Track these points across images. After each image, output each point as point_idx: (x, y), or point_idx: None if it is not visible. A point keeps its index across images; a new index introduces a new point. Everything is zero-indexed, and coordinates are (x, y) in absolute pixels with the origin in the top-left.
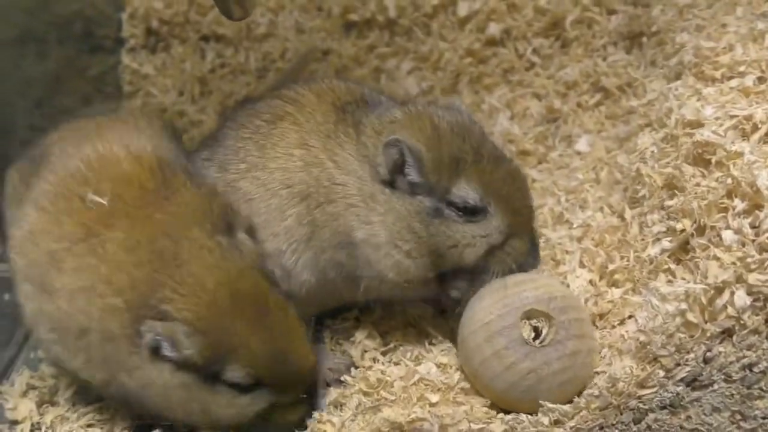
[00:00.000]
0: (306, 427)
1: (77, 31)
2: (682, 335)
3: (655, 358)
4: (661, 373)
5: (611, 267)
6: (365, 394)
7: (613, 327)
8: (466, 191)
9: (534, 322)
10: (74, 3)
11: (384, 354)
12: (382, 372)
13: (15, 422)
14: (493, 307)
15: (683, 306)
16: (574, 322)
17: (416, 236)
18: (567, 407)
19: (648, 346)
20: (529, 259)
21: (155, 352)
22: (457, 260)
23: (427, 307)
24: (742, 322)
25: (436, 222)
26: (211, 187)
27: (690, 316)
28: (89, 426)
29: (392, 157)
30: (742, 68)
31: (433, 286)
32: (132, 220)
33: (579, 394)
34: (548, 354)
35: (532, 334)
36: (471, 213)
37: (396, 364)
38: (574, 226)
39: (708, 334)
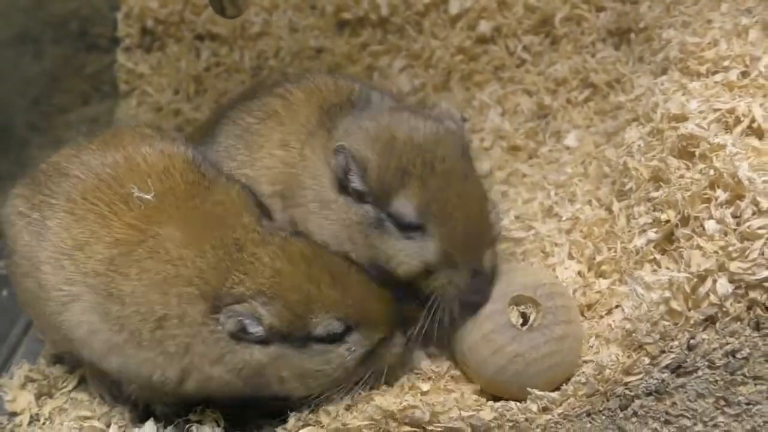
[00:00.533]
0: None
1: (73, 31)
2: (667, 323)
3: (640, 346)
4: (647, 361)
5: (599, 258)
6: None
7: (601, 317)
8: (404, 206)
9: (522, 308)
10: (70, 2)
11: None
12: None
13: (14, 414)
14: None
15: (667, 294)
16: (561, 308)
17: (355, 246)
18: (555, 394)
19: (633, 334)
20: (471, 297)
21: (240, 335)
22: (393, 274)
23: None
24: (724, 309)
25: (375, 233)
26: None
27: (674, 304)
28: (87, 418)
29: (339, 163)
30: (726, 63)
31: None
32: (183, 212)
33: (567, 380)
34: (535, 338)
35: (520, 320)
36: (406, 229)
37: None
38: (563, 219)
39: (691, 322)
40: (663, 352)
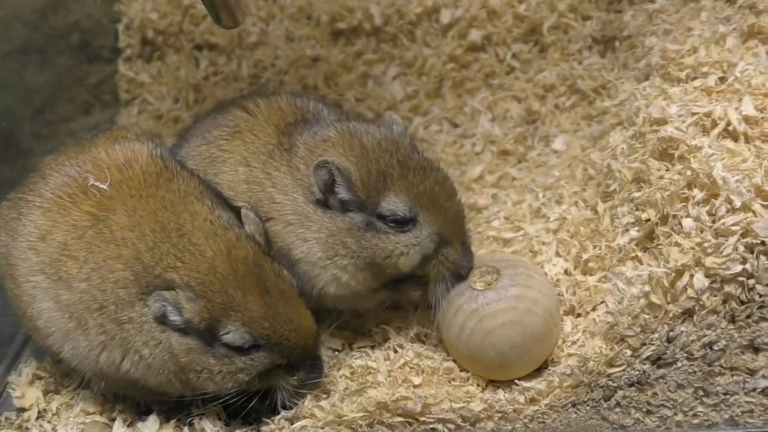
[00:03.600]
0: (312, 389)
1: (75, 42)
2: (647, 316)
3: (622, 339)
4: (628, 353)
5: (585, 256)
6: (350, 379)
7: (587, 313)
8: (394, 204)
9: (488, 278)
10: (72, 15)
11: (371, 347)
12: (366, 358)
13: (22, 409)
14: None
15: (647, 288)
16: (521, 275)
17: (350, 251)
18: (541, 386)
19: (615, 327)
20: (462, 263)
21: (163, 319)
22: (394, 269)
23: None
24: (701, 302)
25: (369, 235)
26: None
27: (653, 298)
28: (92, 413)
29: (322, 177)
30: (705, 69)
31: (384, 295)
32: (135, 200)
33: (539, 355)
34: (489, 296)
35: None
36: (401, 224)
37: (379, 349)
38: (551, 219)
39: (670, 315)
40: (644, 344)
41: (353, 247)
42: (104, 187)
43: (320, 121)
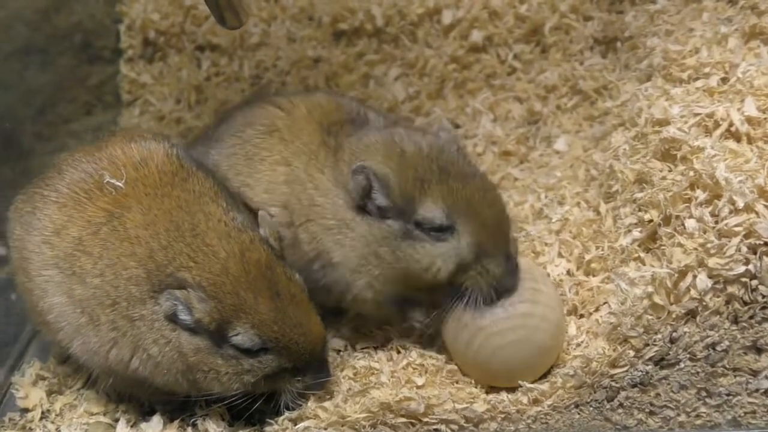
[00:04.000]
0: (319, 390)
1: (77, 43)
2: (650, 317)
3: (625, 339)
4: (631, 353)
5: (587, 257)
6: (353, 380)
7: (591, 314)
8: (432, 211)
9: None
10: (74, 15)
11: (374, 348)
12: (369, 359)
13: (26, 410)
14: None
15: (650, 289)
16: (528, 289)
17: (383, 261)
18: (544, 387)
19: (618, 328)
20: (505, 281)
21: (173, 318)
22: (429, 279)
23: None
24: (704, 303)
25: (405, 245)
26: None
27: (656, 299)
28: (95, 414)
29: (360, 183)
30: (706, 70)
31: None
32: (150, 199)
33: (541, 361)
34: (496, 313)
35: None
36: (438, 231)
37: (382, 350)
38: (553, 220)
39: (674, 316)
40: (647, 345)
41: (387, 257)
42: (120, 184)
43: (367, 124)
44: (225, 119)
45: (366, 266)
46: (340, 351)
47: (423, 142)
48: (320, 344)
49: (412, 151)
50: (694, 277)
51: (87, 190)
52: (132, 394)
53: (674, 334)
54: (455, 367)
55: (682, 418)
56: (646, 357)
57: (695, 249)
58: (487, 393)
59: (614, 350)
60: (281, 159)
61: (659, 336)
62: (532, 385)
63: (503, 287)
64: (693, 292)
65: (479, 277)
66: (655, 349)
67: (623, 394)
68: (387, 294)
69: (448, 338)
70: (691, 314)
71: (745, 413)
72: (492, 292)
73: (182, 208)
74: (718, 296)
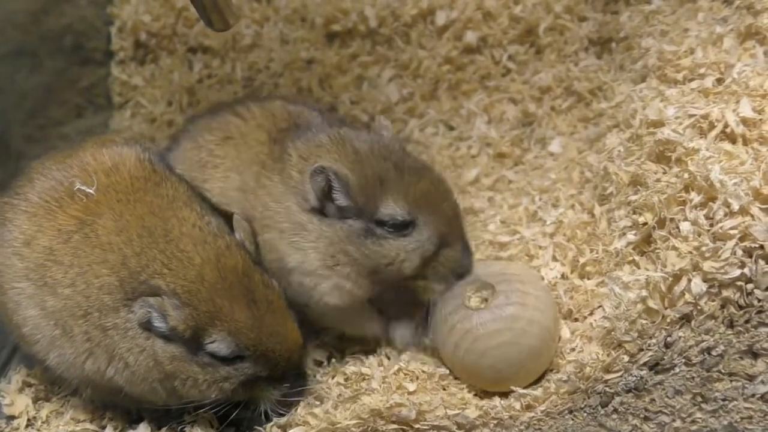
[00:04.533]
0: (295, 406)
1: (68, 45)
2: (644, 321)
3: (619, 344)
4: (626, 358)
5: (582, 260)
6: (344, 386)
7: (585, 318)
8: (393, 208)
9: (483, 293)
10: (64, 17)
11: (364, 352)
12: (360, 365)
13: (12, 417)
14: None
15: (644, 293)
16: (516, 291)
17: (352, 258)
18: (538, 392)
19: (612, 333)
20: (463, 264)
21: (147, 326)
22: (395, 274)
23: None
24: (699, 307)
25: (369, 242)
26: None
27: (651, 303)
28: (82, 421)
29: (319, 184)
30: (702, 70)
31: (374, 329)
32: (122, 205)
33: (531, 365)
34: (483, 316)
35: (482, 305)
36: (401, 228)
37: (373, 356)
38: (548, 223)
39: (668, 320)
40: (641, 349)
41: (355, 254)
42: (91, 191)
43: (312, 127)
44: (189, 123)
45: (334, 266)
46: (322, 362)
47: (371, 141)
48: (297, 352)
49: (365, 150)
50: (689, 280)
51: (57, 198)
52: (115, 403)
53: (669, 339)
54: (447, 373)
55: (678, 423)
56: (641, 362)
57: (690, 252)
58: (479, 399)
59: (608, 355)
60: (233, 167)
61: (654, 341)
62: (524, 391)
63: (462, 268)
64: (688, 296)
65: (441, 266)
66: (650, 353)
67: (618, 399)
68: (354, 297)
69: (437, 342)
70: (685, 318)
71: (742, 418)
72: (452, 277)
73: (155, 213)
74: (713, 300)
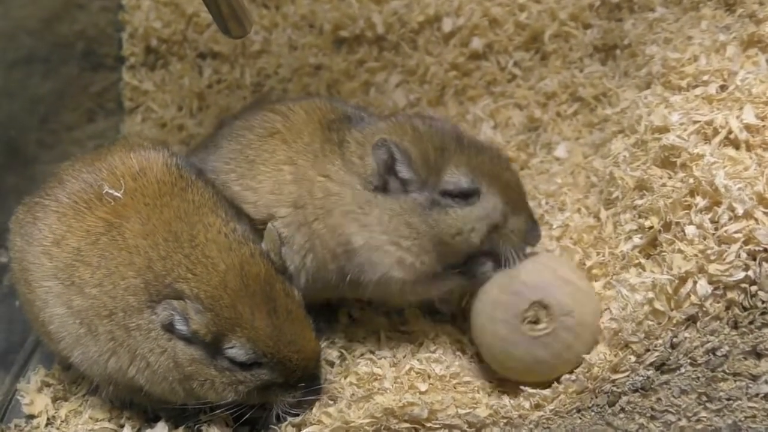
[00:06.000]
0: (307, 410)
1: (80, 51)
2: (651, 322)
3: (626, 345)
4: (633, 359)
5: (588, 263)
6: (357, 386)
7: None
8: (456, 176)
9: (536, 310)
10: (76, 24)
11: (372, 352)
12: (372, 365)
13: (31, 416)
14: (502, 295)
15: (650, 295)
16: (572, 322)
17: (415, 232)
18: (546, 392)
19: (620, 334)
20: (532, 234)
21: (170, 328)
22: (463, 246)
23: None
24: (704, 309)
25: (434, 213)
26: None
27: (657, 305)
28: (101, 420)
29: (381, 157)
30: (705, 77)
31: (454, 282)
32: (149, 209)
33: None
34: (535, 347)
35: (537, 330)
36: (465, 196)
37: (385, 358)
38: (554, 226)
39: (674, 321)
40: (648, 350)
41: (420, 227)
42: (118, 194)
43: (365, 117)
44: (223, 126)
45: (398, 240)
46: (334, 363)
47: (428, 121)
48: (313, 361)
49: (424, 129)
50: (695, 283)
51: (86, 200)
52: (134, 401)
53: (675, 340)
54: (458, 371)
55: (683, 422)
56: (647, 362)
57: (695, 255)
58: (489, 398)
59: (615, 355)
60: (286, 158)
61: (660, 341)
62: (534, 390)
63: (531, 239)
64: (693, 298)
65: (511, 236)
66: (656, 354)
67: (624, 398)
68: (418, 271)
69: (487, 353)
70: (691, 320)
71: (746, 417)
72: (523, 248)
73: (181, 218)
74: (718, 302)
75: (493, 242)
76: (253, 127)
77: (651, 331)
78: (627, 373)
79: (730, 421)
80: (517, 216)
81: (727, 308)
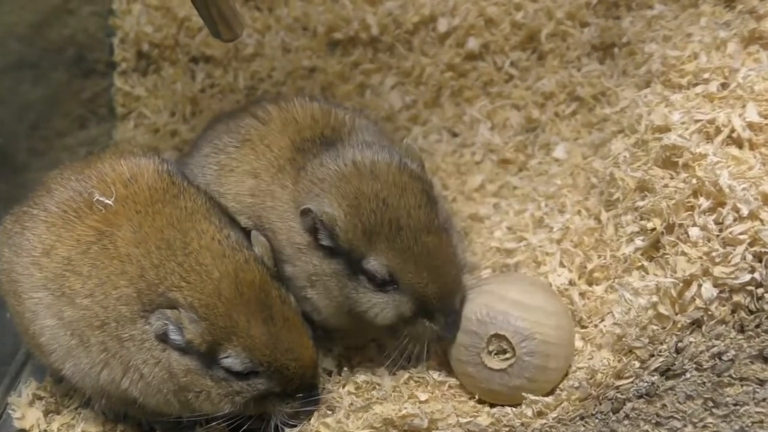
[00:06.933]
0: (305, 420)
1: (70, 56)
2: (655, 327)
3: (630, 350)
4: (637, 364)
5: (589, 266)
6: (355, 395)
7: (595, 326)
8: (375, 266)
9: (496, 342)
10: (67, 29)
11: (370, 360)
12: (371, 374)
13: (23, 430)
14: (462, 336)
15: (654, 299)
16: (537, 343)
17: (332, 295)
18: (549, 399)
19: (623, 339)
20: (445, 334)
21: (164, 338)
22: (370, 321)
23: None
24: (710, 312)
25: (351, 285)
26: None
27: (661, 309)
28: None
29: (307, 223)
30: (706, 75)
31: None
32: (141, 216)
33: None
34: (507, 378)
35: (503, 363)
36: (381, 284)
37: (383, 366)
38: (554, 229)
39: (679, 326)
40: (652, 355)
41: (335, 292)
42: (109, 202)
43: (336, 145)
44: (208, 128)
45: (318, 294)
46: (332, 372)
47: (384, 183)
48: (311, 369)
49: (369, 194)
50: (699, 286)
51: (76, 208)
52: (128, 414)
53: (680, 344)
54: (458, 381)
55: (689, 428)
56: (652, 368)
57: (700, 258)
58: (490, 406)
59: (619, 361)
60: (251, 170)
61: (665, 346)
62: (536, 398)
63: (441, 338)
64: (698, 302)
65: (417, 333)
66: (661, 359)
67: (629, 405)
68: (342, 324)
69: (458, 374)
70: (696, 324)
71: (753, 423)
72: (432, 344)
73: (174, 225)
74: (724, 305)
75: (405, 326)
76: (230, 131)
77: (655, 335)
78: (631, 379)
79: (737, 427)
80: (433, 316)
81: (733, 312)
